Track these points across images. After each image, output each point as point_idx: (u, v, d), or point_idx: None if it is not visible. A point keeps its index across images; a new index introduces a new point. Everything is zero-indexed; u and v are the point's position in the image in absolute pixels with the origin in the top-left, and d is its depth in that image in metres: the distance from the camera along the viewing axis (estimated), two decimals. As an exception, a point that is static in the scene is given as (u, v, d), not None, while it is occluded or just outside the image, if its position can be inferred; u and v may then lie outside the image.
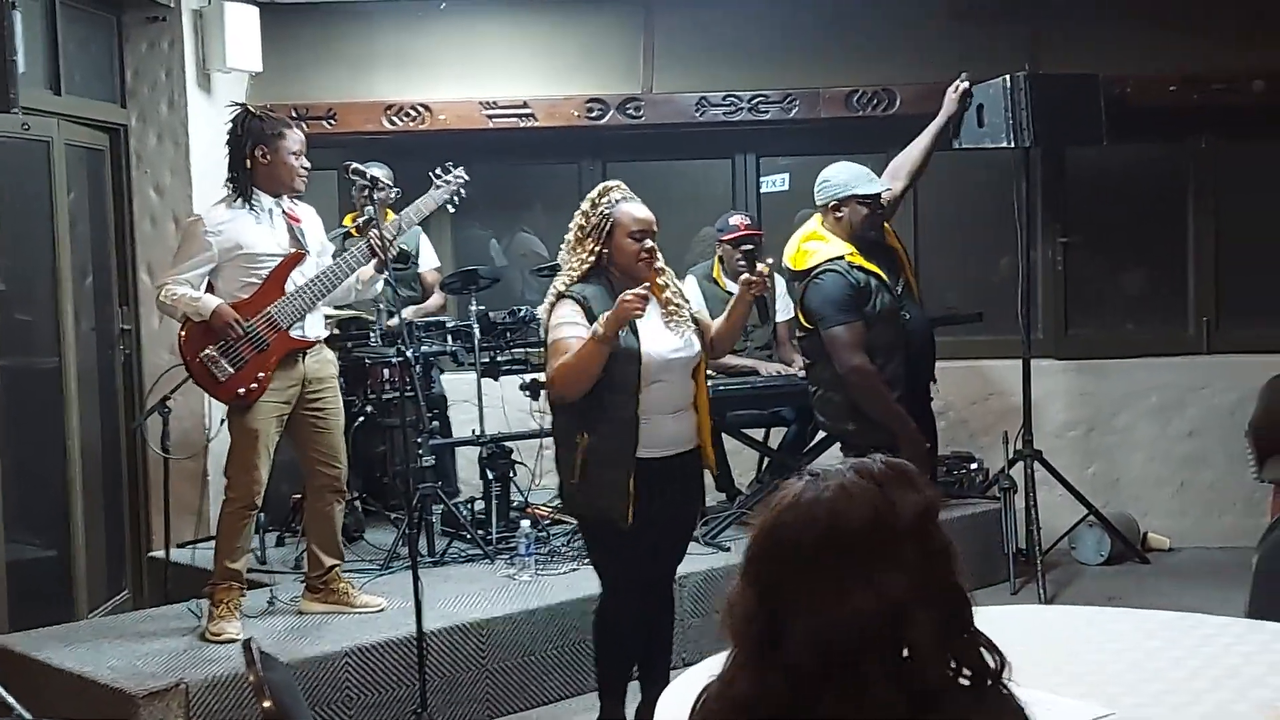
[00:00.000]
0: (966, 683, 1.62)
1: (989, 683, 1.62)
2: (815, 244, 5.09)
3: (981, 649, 1.63)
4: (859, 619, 1.55)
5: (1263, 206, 7.20)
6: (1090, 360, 7.18)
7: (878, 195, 5.11)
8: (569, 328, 4.03)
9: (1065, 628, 3.03)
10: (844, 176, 5.13)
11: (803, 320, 5.11)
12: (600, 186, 4.19)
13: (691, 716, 1.72)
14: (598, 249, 4.08)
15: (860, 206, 5.07)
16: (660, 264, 4.16)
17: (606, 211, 4.09)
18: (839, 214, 5.08)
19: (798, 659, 1.56)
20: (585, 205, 4.15)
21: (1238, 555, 6.57)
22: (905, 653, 1.58)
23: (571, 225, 4.19)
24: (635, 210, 4.12)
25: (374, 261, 4.70)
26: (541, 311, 4.21)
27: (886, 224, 5.15)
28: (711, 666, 2.78)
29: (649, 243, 4.11)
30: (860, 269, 4.99)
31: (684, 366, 4.19)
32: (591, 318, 4.00)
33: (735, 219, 6.50)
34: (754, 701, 1.59)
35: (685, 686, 2.70)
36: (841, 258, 5.01)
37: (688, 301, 4.34)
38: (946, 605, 1.60)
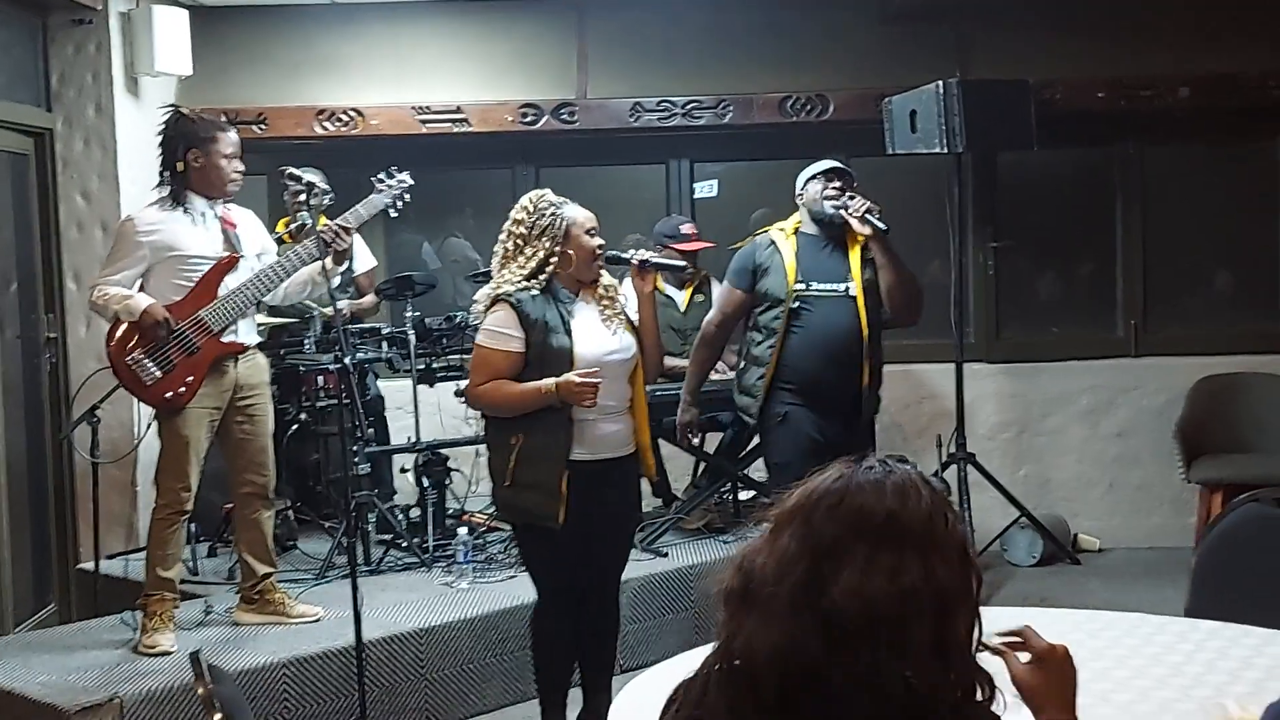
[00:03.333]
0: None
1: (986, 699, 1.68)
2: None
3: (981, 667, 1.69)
4: (909, 595, 1.60)
5: (1188, 210, 7.32)
6: (1021, 363, 7.26)
7: (829, 169, 5.17)
8: (500, 339, 4.04)
9: (1005, 629, 3.04)
10: (808, 169, 5.29)
11: None
12: (531, 194, 4.19)
13: (698, 690, 1.72)
14: (551, 245, 4.08)
15: (814, 183, 5.16)
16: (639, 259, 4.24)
17: (555, 213, 4.11)
18: (801, 199, 5.20)
19: (842, 607, 1.60)
20: (521, 214, 4.14)
21: (1166, 555, 6.72)
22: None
23: (506, 233, 4.17)
24: (582, 211, 4.20)
25: (330, 257, 4.63)
26: (479, 308, 4.17)
27: (860, 235, 5.14)
28: (663, 672, 2.78)
29: (599, 240, 4.17)
30: (775, 247, 5.06)
31: (620, 367, 4.18)
32: (526, 326, 4.01)
33: (685, 227, 6.49)
34: (785, 651, 1.61)
35: (632, 698, 2.69)
36: (767, 232, 5.19)
37: (624, 299, 4.34)
38: (975, 615, 1.67)
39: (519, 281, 4.07)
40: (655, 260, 4.20)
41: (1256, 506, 3.46)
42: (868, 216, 5.00)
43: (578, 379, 3.95)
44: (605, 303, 4.19)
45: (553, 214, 4.12)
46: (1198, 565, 3.41)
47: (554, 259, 4.09)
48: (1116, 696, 2.57)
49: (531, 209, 4.13)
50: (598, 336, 4.12)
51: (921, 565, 1.62)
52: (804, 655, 1.60)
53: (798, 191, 5.26)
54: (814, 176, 5.20)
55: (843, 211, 5.05)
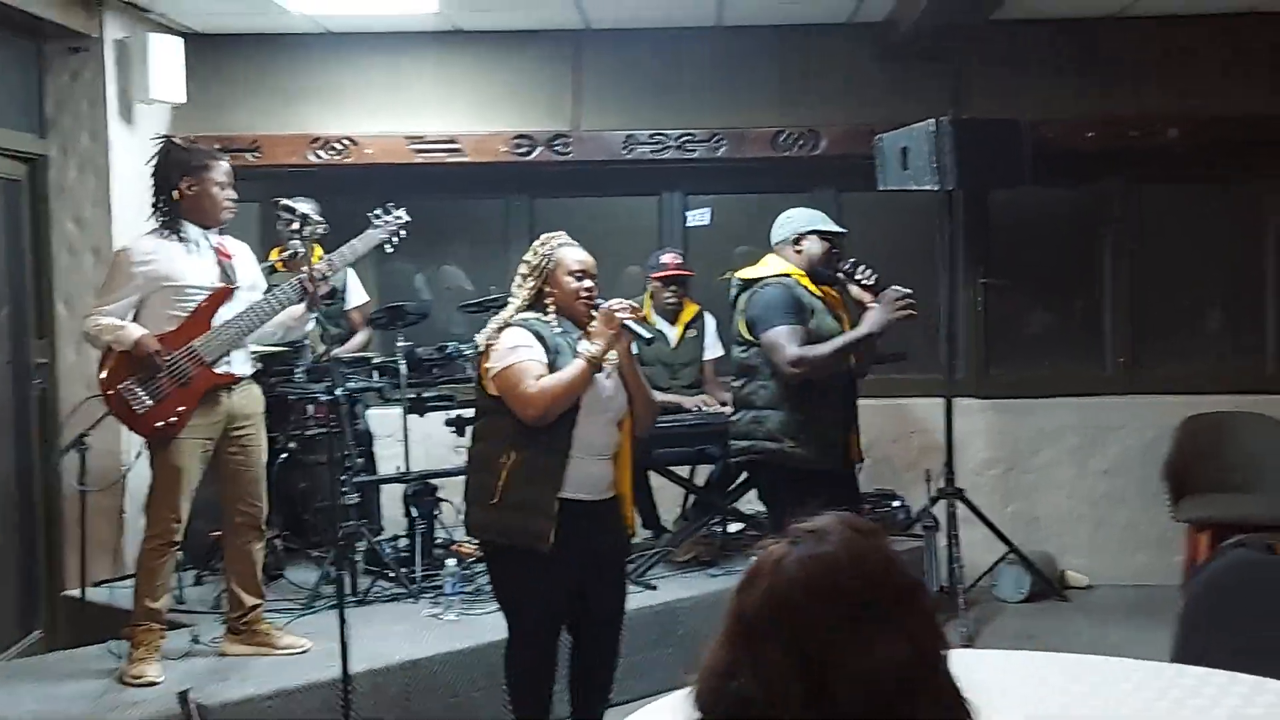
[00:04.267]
0: None
1: None
2: (771, 261, 5.12)
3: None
4: (903, 664, 1.57)
5: (1177, 249, 7.37)
6: (1010, 399, 7.28)
7: (838, 234, 5.13)
8: (525, 350, 4.05)
9: (992, 671, 3.05)
10: (807, 215, 5.18)
11: (744, 332, 5.07)
12: (547, 234, 4.29)
13: None
14: (539, 286, 4.16)
15: (822, 240, 5.09)
16: (603, 315, 4.14)
17: (548, 252, 4.19)
18: (799, 247, 5.08)
19: (849, 708, 1.56)
20: (529, 252, 4.25)
21: (1153, 593, 6.73)
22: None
23: (521, 269, 4.26)
24: (575, 253, 4.23)
25: (305, 299, 4.64)
26: (481, 338, 4.18)
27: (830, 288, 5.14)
28: (651, 714, 2.78)
29: (588, 282, 4.17)
30: (807, 290, 5.02)
31: (615, 414, 4.20)
32: (541, 339, 4.05)
33: (665, 257, 6.56)
34: None
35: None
36: (789, 275, 5.04)
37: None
38: (946, 647, 1.65)
39: (520, 311, 4.14)
40: (627, 323, 4.16)
41: (1244, 552, 3.47)
42: (909, 296, 4.91)
43: (608, 306, 4.05)
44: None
45: (545, 253, 4.20)
46: (1185, 611, 3.41)
47: (548, 297, 4.16)
48: (1104, 745, 2.57)
49: (533, 251, 4.24)
50: (601, 379, 4.14)
51: (903, 626, 1.60)
52: None
53: (789, 237, 5.12)
54: (814, 233, 5.10)
55: (852, 281, 5.02)
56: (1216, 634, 3.33)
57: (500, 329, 4.12)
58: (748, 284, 5.09)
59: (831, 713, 1.56)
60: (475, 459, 4.24)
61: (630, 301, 4.14)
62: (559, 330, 4.12)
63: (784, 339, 4.88)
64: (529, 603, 4.19)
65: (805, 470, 4.91)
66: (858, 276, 5.01)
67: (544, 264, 4.18)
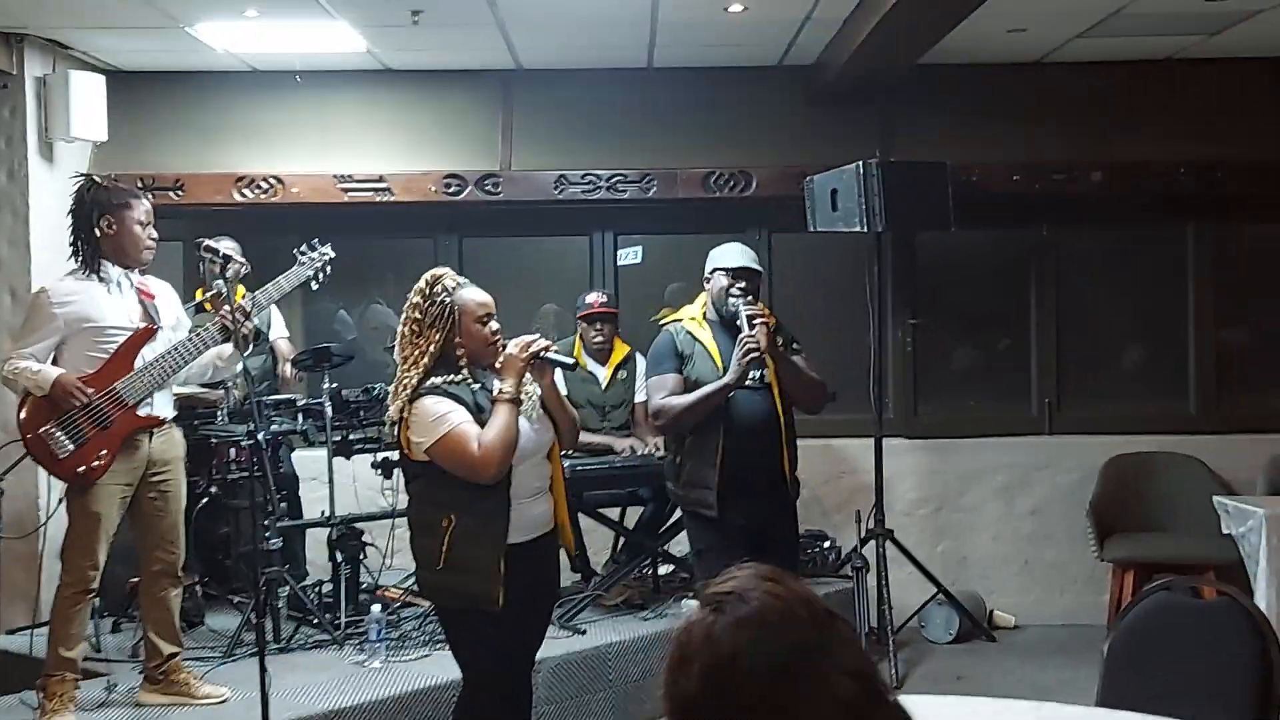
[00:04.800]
0: None
1: None
2: (686, 307, 5.17)
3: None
4: (851, 699, 1.59)
5: (1101, 292, 7.47)
6: (939, 439, 7.32)
7: (736, 267, 5.10)
8: (455, 415, 3.86)
9: (924, 717, 3.03)
10: (718, 252, 5.17)
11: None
12: (428, 275, 4.03)
13: None
14: (443, 337, 3.94)
15: (720, 276, 5.08)
16: (517, 349, 4.06)
17: (446, 300, 3.95)
18: (708, 283, 5.12)
19: None
20: (416, 297, 3.98)
21: (1080, 632, 6.78)
22: None
23: (405, 316, 4.00)
24: (476, 295, 4.02)
25: (230, 339, 4.56)
26: (394, 411, 3.99)
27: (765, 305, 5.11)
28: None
29: (494, 325, 4.02)
30: (691, 335, 5.03)
31: (540, 449, 4.14)
32: (459, 400, 3.91)
33: (590, 296, 6.55)
34: None
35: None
36: (680, 320, 5.09)
37: (533, 383, 4.27)
38: (878, 670, 1.67)
39: (423, 373, 3.92)
40: (547, 356, 4.09)
41: (1167, 595, 3.49)
42: (753, 340, 4.82)
43: (515, 349, 3.93)
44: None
45: (442, 303, 3.94)
46: (1109, 654, 3.42)
47: (458, 349, 3.96)
48: (1029, 795, 2.57)
49: (426, 292, 3.98)
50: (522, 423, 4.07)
51: (839, 662, 1.62)
52: None
53: (706, 275, 5.14)
54: (721, 269, 5.08)
55: (742, 321, 4.92)
56: (1140, 678, 3.34)
57: (413, 399, 3.91)
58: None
59: None
60: (415, 523, 4.13)
61: (538, 337, 3.98)
62: (476, 387, 3.98)
63: (653, 390, 5.00)
64: (483, 659, 4.11)
65: (710, 517, 4.92)
66: (739, 322, 4.90)
67: (446, 313, 3.94)
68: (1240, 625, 3.32)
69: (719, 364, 4.95)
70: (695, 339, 5.01)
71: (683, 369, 4.97)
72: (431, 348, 3.93)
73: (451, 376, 3.95)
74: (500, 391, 3.92)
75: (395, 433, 4.01)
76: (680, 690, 1.63)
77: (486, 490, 3.90)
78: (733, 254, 5.12)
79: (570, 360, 4.16)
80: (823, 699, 1.59)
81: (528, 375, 4.05)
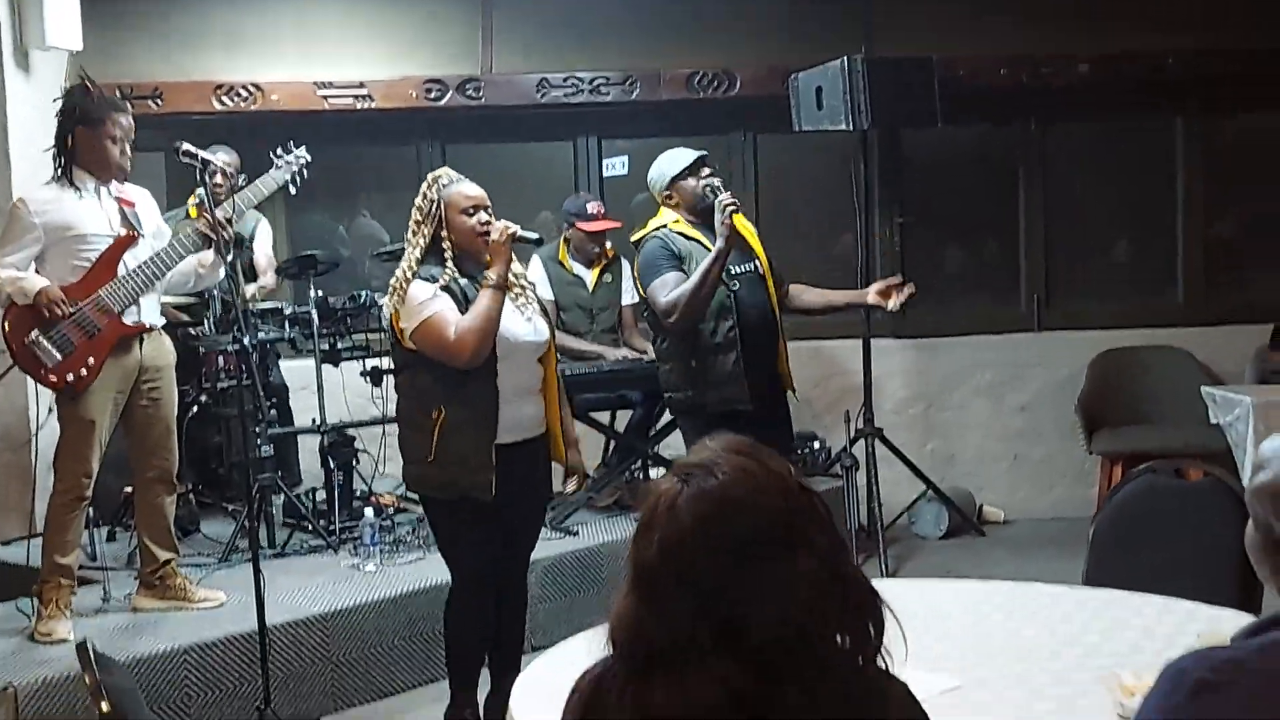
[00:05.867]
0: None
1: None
2: (652, 220, 5.10)
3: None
4: (811, 579, 1.58)
5: (1089, 186, 7.44)
6: (927, 338, 7.32)
7: (695, 160, 5.06)
8: (437, 301, 3.97)
9: (908, 601, 3.05)
10: (662, 167, 5.10)
11: (642, 292, 5.08)
12: (434, 173, 4.17)
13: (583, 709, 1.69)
14: (432, 232, 4.06)
15: (684, 182, 5.05)
16: (496, 234, 4.07)
17: (434, 196, 4.08)
18: (671, 200, 5.07)
19: (763, 643, 1.56)
20: (418, 198, 4.13)
21: (1069, 526, 6.82)
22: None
23: (412, 213, 4.14)
24: (464, 189, 4.11)
25: (210, 245, 4.54)
26: (387, 302, 4.12)
27: (739, 215, 5.08)
28: (569, 650, 2.77)
29: (483, 215, 4.09)
30: (682, 235, 4.99)
31: (531, 351, 4.17)
32: (448, 293, 3.98)
33: (592, 206, 6.43)
34: (722, 705, 1.55)
35: (540, 672, 2.68)
36: (664, 225, 5.01)
37: (533, 285, 4.33)
38: (845, 544, 1.67)
39: (417, 263, 4.04)
40: (521, 235, 4.14)
41: (1152, 477, 3.52)
42: (731, 201, 4.84)
43: (496, 234, 4.01)
44: (515, 290, 4.16)
45: (433, 197, 4.08)
46: (1096, 535, 3.46)
47: (445, 243, 4.05)
48: (1014, 667, 2.60)
49: (423, 191, 4.11)
50: (511, 319, 4.09)
51: (806, 544, 1.60)
52: (742, 704, 1.55)
53: (662, 190, 5.05)
54: (679, 173, 5.02)
55: (719, 196, 4.91)
56: (1126, 557, 3.38)
57: (406, 283, 4.02)
58: (638, 243, 5.09)
59: (745, 645, 1.56)
60: (404, 415, 4.20)
61: (510, 223, 4.06)
62: (464, 281, 4.04)
63: (657, 291, 4.90)
64: (473, 552, 4.17)
65: (720, 414, 4.89)
66: (726, 206, 4.87)
67: (434, 209, 4.07)
68: (1225, 505, 3.35)
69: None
70: (687, 238, 4.98)
71: (683, 269, 4.91)
72: (422, 241, 4.05)
73: (441, 267, 4.02)
74: (485, 277, 3.98)
75: (391, 324, 4.09)
76: (640, 557, 1.63)
77: (475, 382, 3.97)
78: (680, 154, 5.09)
79: (535, 234, 4.23)
80: (784, 575, 1.58)
81: (520, 267, 4.15)
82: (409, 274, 4.03)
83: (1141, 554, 3.39)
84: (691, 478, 1.63)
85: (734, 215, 4.81)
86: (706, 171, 5.03)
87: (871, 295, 5.24)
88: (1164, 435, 6.55)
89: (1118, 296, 7.47)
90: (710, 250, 4.88)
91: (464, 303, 3.99)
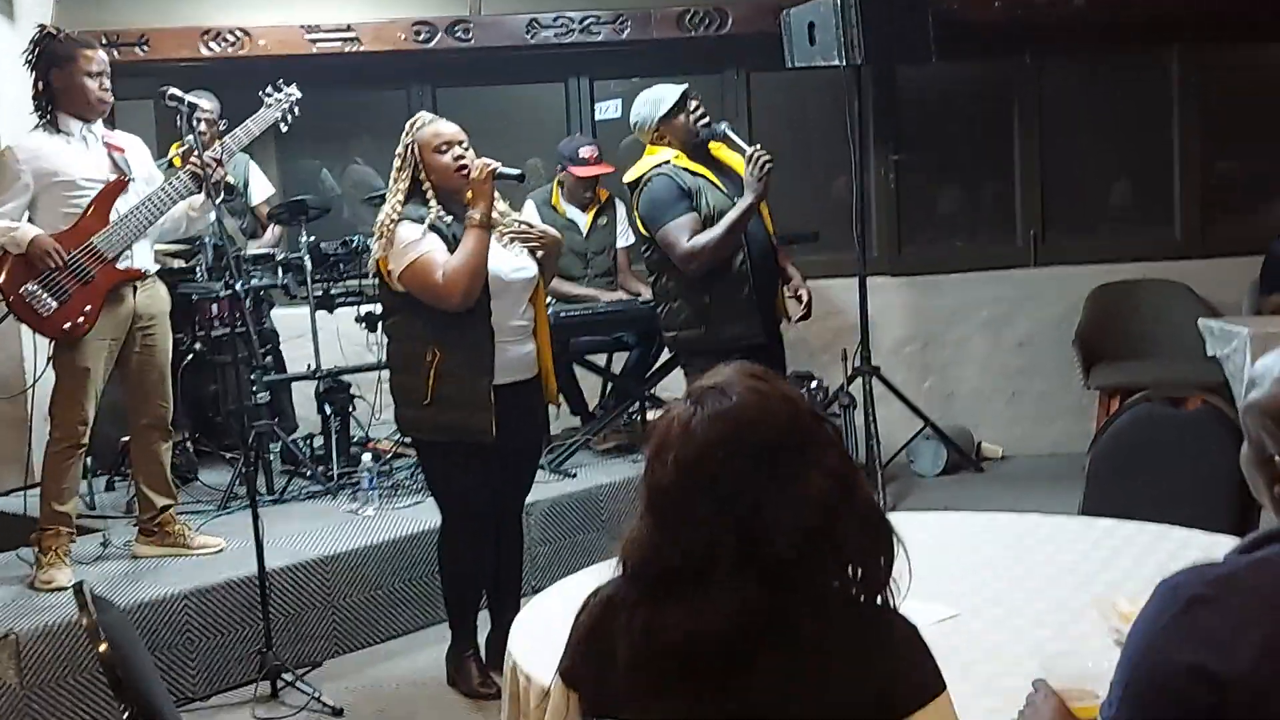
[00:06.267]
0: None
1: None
2: (646, 158, 5.06)
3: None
4: (825, 494, 1.61)
5: (1085, 122, 7.39)
6: (923, 276, 7.30)
7: (680, 95, 5.04)
8: (424, 242, 3.98)
9: (906, 533, 3.06)
10: (647, 109, 5.07)
11: (643, 231, 5.05)
12: (415, 117, 4.18)
13: (593, 621, 1.70)
14: (410, 175, 4.08)
15: (675, 119, 5.02)
16: (476, 170, 4.05)
17: (409, 140, 4.10)
18: (664, 139, 5.03)
19: (781, 552, 1.59)
20: (398, 146, 4.14)
21: (1068, 461, 6.80)
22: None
23: (395, 162, 4.17)
24: (437, 127, 4.12)
25: (202, 192, 4.51)
26: (375, 246, 4.11)
27: (725, 149, 5.07)
28: (566, 588, 2.77)
29: (457, 150, 4.09)
30: (688, 171, 4.96)
31: (522, 288, 4.16)
32: (435, 232, 3.98)
33: (585, 150, 6.38)
34: (734, 626, 1.58)
35: (538, 611, 2.69)
36: (667, 161, 4.98)
37: (525, 223, 4.32)
38: (857, 469, 1.70)
39: (400, 207, 4.05)
40: (502, 172, 4.12)
41: (1148, 406, 3.52)
42: (764, 153, 4.86)
43: (476, 171, 4.01)
44: (501, 227, 4.15)
45: (408, 142, 4.10)
46: (1092, 465, 3.47)
47: (425, 185, 4.06)
48: (1010, 596, 2.61)
49: (402, 136, 4.13)
50: (498, 255, 4.08)
51: (817, 461, 1.63)
52: (754, 626, 1.58)
53: (651, 129, 5.03)
54: (670, 111, 5.00)
55: (736, 140, 4.95)
56: (1122, 486, 3.39)
57: (392, 226, 4.02)
58: (635, 183, 5.04)
59: (766, 557, 1.59)
60: (396, 359, 4.20)
61: (489, 160, 4.07)
62: (449, 219, 4.04)
63: (675, 234, 4.86)
64: (470, 494, 4.19)
65: (728, 350, 4.89)
66: (730, 136, 4.93)
67: (409, 152, 4.09)
68: (1221, 432, 3.35)
69: (725, 190, 4.94)
70: (693, 174, 4.96)
71: (694, 208, 4.88)
72: (402, 185, 4.07)
73: (426, 209, 4.00)
74: (469, 217, 3.97)
75: (378, 267, 4.10)
76: (655, 480, 1.65)
77: (469, 322, 3.97)
78: (664, 91, 5.07)
79: (517, 171, 4.21)
80: (795, 496, 1.61)
81: (505, 205, 4.17)
82: (394, 215, 4.03)
83: (1138, 483, 3.39)
84: (705, 399, 1.66)
85: (767, 155, 4.80)
86: (695, 105, 5.02)
87: (789, 289, 5.23)
88: (1162, 368, 6.53)
89: (1114, 231, 7.44)
90: (717, 185, 4.88)
91: (452, 242, 3.99)
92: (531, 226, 4.27)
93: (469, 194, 4.04)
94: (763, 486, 1.61)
